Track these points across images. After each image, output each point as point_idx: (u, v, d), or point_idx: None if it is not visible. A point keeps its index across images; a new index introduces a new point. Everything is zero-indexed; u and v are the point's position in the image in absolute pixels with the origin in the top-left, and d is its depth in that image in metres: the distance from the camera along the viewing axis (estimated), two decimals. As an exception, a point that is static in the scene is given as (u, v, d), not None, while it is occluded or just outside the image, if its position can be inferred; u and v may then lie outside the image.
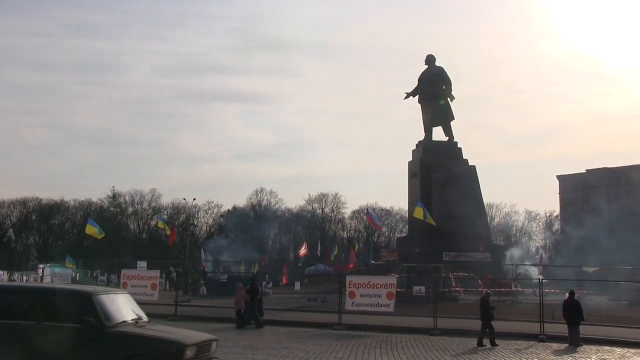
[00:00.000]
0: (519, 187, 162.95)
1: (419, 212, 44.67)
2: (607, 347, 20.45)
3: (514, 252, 55.16)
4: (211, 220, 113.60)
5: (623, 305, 36.54)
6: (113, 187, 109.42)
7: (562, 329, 21.93)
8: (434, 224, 44.75)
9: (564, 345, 20.76)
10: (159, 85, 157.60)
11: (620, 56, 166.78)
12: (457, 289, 39.56)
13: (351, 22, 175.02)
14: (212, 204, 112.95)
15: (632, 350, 19.85)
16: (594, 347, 20.37)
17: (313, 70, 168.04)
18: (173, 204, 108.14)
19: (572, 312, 21.21)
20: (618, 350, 19.92)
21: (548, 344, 21.19)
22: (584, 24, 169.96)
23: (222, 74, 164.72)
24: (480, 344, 20.40)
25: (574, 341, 20.75)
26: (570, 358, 18.40)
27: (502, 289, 40.81)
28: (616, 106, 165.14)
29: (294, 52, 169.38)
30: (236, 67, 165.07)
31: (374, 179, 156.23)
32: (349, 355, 17.76)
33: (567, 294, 22.96)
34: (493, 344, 20.28)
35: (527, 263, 53.40)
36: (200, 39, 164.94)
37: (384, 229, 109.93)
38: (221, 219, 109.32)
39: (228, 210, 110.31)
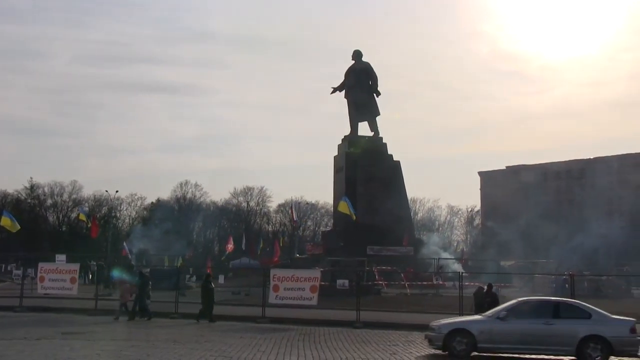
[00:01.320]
0: (442, 183, 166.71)
1: (343, 207, 45.09)
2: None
3: (434, 239, 56.33)
4: (134, 213, 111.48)
5: (539, 296, 37.68)
6: (31, 178, 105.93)
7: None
8: (354, 218, 45.35)
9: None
10: (81, 74, 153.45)
11: (540, 57, 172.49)
12: (381, 282, 40.11)
13: (278, 15, 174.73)
14: (136, 197, 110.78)
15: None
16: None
17: (239, 62, 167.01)
18: (95, 196, 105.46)
19: (490, 304, 21.85)
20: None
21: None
22: (508, 24, 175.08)
23: (146, 64, 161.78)
24: None
25: None
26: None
27: (424, 283, 41.66)
28: (536, 105, 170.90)
29: (221, 44, 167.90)
30: (161, 58, 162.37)
31: (300, 172, 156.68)
32: (272, 348, 17.76)
33: (485, 287, 23.72)
34: None
35: (448, 257, 54.64)
36: (125, 28, 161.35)
37: (309, 223, 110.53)
38: (145, 212, 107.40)
39: (152, 202, 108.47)
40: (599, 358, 16.42)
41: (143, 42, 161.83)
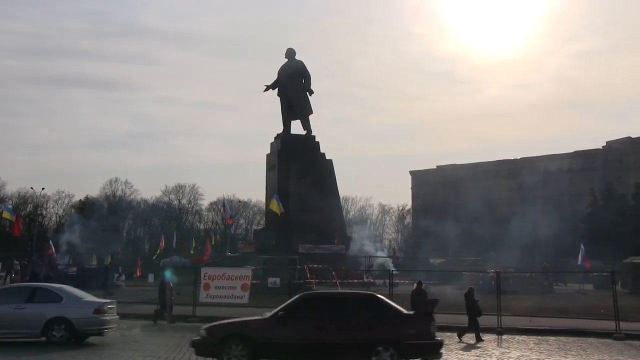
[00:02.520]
0: (374, 182, 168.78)
1: (273, 205, 45.09)
2: (448, 333, 21.60)
3: (366, 238, 56.98)
4: (62, 210, 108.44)
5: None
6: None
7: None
8: (279, 212, 45.52)
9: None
10: (5, 67, 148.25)
11: (470, 59, 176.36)
12: (312, 280, 40.26)
13: (212, 12, 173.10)
14: (63, 194, 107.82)
15: (469, 335, 21.12)
16: (443, 335, 21.38)
17: (172, 59, 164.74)
18: (19, 193, 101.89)
19: (420, 301, 22.25)
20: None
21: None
22: (439, 26, 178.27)
23: (75, 58, 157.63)
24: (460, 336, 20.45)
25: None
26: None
27: (355, 281, 42.03)
28: (467, 106, 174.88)
29: (153, 40, 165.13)
30: (90, 52, 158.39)
31: (232, 170, 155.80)
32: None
33: (415, 284, 24.12)
34: (478, 339, 20.09)
35: (380, 255, 55.29)
36: (52, 20, 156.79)
37: (241, 221, 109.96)
38: (72, 210, 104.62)
39: (80, 200, 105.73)
40: (62, 337, 17.48)
41: (71, 36, 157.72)
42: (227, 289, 25.61)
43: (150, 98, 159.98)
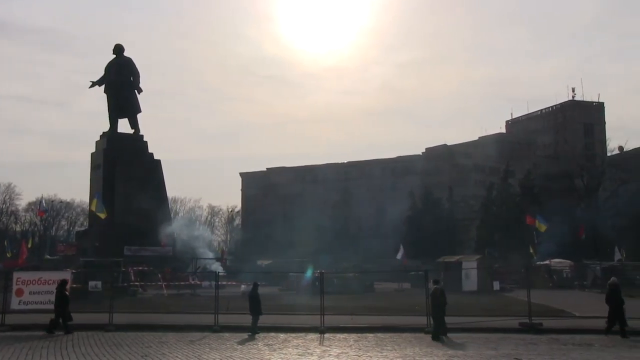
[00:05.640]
0: (203, 183, 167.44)
1: (95, 205, 43.48)
2: (273, 334, 21.94)
3: (193, 236, 56.45)
4: None
5: (293, 294, 39.30)
6: None
7: (239, 319, 23.20)
8: (102, 217, 44.06)
9: (237, 335, 21.69)
10: None
11: (301, 64, 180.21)
12: (137, 283, 39.19)
13: (37, 3, 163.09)
14: None
15: (293, 335, 21.58)
16: (269, 335, 21.69)
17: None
18: None
19: (254, 302, 22.49)
20: (282, 336, 21.51)
21: (221, 334, 22.00)
22: (271, 30, 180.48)
23: None
24: (435, 338, 20.55)
25: (252, 329, 21.94)
26: (239, 345, 19.35)
27: (182, 282, 41.51)
28: (297, 110, 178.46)
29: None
30: None
31: (55, 169, 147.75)
32: (9, 357, 16.54)
33: (249, 286, 24.20)
34: (435, 338, 20.52)
35: (208, 257, 54.91)
36: None
37: (63, 222, 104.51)
38: None
39: None
40: None
41: None
42: (44, 294, 24.17)
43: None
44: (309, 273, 40.23)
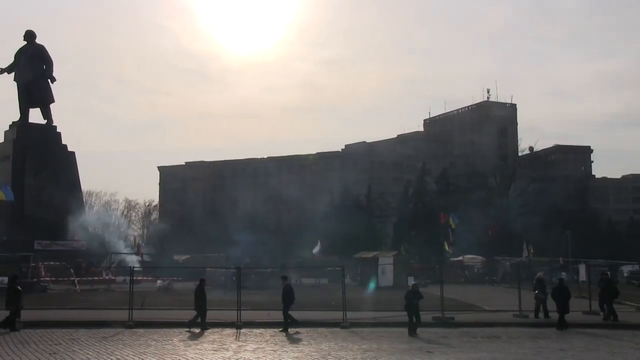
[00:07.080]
0: (120, 176, 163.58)
1: (1, 197, 41.84)
2: (187, 330, 21.73)
3: (107, 230, 55.25)
4: None
5: (209, 289, 38.88)
6: None
7: (154, 315, 22.90)
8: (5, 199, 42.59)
9: (152, 331, 21.33)
10: None
11: (222, 58, 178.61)
12: (47, 278, 38.00)
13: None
14: None
15: (209, 330, 21.43)
16: (183, 330, 21.44)
17: None
18: None
19: (199, 299, 22.32)
20: (197, 331, 21.35)
21: (136, 330, 21.58)
22: (192, 22, 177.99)
23: None
24: (412, 333, 20.70)
25: (191, 324, 21.96)
26: (153, 341, 19.06)
27: (95, 278, 40.58)
28: (215, 104, 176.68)
29: None
30: None
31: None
32: None
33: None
34: (412, 333, 20.76)
35: (123, 251, 53.77)
36: None
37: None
38: None
39: None
40: None
41: None
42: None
43: None
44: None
